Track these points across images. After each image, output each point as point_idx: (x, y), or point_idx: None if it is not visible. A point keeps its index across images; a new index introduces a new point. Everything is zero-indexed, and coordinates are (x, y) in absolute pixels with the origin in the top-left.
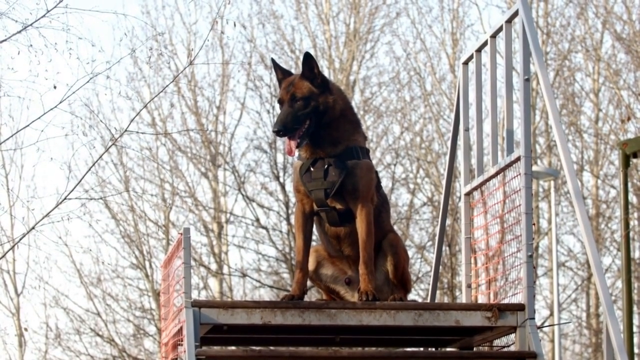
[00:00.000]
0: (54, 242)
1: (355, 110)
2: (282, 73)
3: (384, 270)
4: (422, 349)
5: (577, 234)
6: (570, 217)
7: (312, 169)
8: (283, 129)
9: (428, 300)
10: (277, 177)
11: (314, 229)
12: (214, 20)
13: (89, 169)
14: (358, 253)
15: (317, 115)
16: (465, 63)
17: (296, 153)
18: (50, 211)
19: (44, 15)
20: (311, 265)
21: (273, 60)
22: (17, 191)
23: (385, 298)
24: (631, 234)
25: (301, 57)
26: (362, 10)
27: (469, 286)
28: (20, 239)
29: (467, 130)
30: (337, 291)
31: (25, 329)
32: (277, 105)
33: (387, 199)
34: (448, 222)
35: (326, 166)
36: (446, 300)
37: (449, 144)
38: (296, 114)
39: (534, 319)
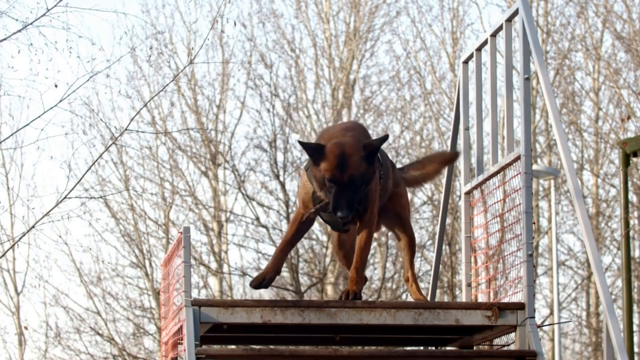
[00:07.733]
0: (54, 241)
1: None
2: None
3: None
4: (422, 347)
5: (577, 233)
6: (570, 216)
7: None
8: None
9: (428, 299)
10: (277, 176)
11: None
12: (214, 19)
13: (89, 168)
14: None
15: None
16: (466, 62)
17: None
18: (50, 210)
19: (44, 14)
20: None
21: (300, 142)
22: (17, 190)
23: None
24: (631, 232)
25: (301, 56)
26: (362, 9)
27: (469, 285)
28: (20, 238)
29: (467, 129)
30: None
31: (25, 328)
32: (277, 104)
33: (402, 180)
34: (448, 221)
35: None
36: (446, 299)
37: (449, 142)
38: (355, 194)
39: (534, 317)
